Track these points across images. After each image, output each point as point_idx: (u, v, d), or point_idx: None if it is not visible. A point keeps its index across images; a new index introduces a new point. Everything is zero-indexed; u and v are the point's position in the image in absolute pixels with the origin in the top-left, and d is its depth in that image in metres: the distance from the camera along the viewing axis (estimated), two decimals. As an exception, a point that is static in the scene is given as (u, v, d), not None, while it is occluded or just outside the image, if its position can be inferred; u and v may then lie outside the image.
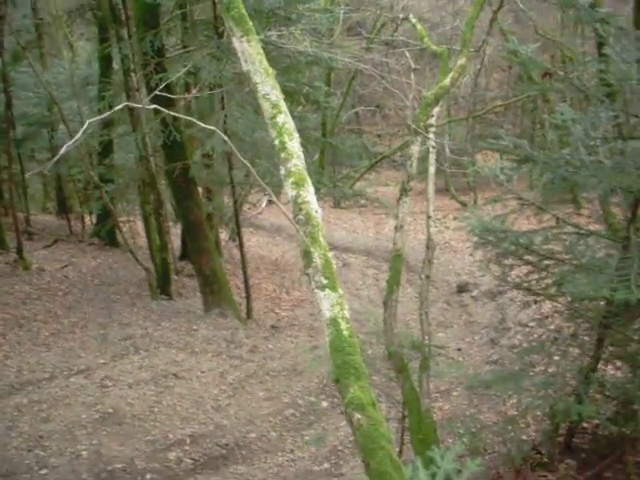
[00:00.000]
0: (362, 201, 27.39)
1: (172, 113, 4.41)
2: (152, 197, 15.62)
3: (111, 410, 9.90)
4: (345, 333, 3.11)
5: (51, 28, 24.81)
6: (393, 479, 2.88)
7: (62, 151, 3.23)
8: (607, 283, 4.95)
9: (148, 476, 8.44)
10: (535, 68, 6.43)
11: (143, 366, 11.54)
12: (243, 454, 9.29)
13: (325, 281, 3.19)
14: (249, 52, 3.89)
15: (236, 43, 3.98)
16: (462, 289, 17.24)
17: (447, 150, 24.80)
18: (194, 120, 4.16)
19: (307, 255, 3.25)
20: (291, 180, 3.47)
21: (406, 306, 13.41)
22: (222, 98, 13.07)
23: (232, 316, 14.36)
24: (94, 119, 3.36)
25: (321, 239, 3.27)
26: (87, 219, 22.90)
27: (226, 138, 4.00)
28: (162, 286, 15.69)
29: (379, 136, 38.77)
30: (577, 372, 6.25)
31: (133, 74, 13.81)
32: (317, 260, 3.21)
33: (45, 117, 20.93)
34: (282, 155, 3.54)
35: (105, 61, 19.68)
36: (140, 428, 9.56)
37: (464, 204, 28.13)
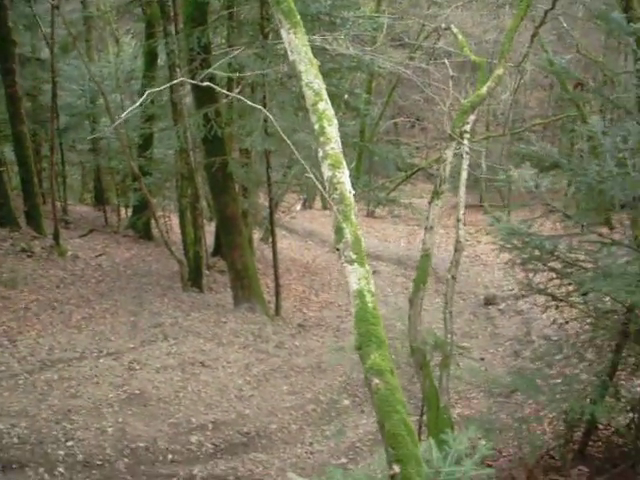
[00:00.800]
0: (395, 211, 27.53)
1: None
2: (189, 191, 15.91)
3: (137, 391, 10.19)
4: (370, 305, 3.32)
5: (99, 22, 25.25)
6: (405, 441, 3.09)
7: (124, 116, 3.45)
8: (626, 287, 5.12)
9: (170, 457, 8.69)
10: (568, 77, 6.62)
11: (171, 353, 11.81)
12: (263, 443, 9.51)
13: (354, 256, 3.41)
14: (295, 43, 4.13)
15: (284, 34, 4.22)
16: (489, 302, 17.36)
17: (483, 166, 24.93)
18: (243, 99, 4.38)
19: (339, 231, 3.47)
20: (328, 162, 3.69)
21: (433, 315, 13.56)
22: (264, 97, 13.31)
23: (261, 312, 14.61)
24: (154, 90, 3.58)
25: (353, 217, 3.49)
26: (123, 212, 23.25)
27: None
28: (193, 279, 15.97)
29: (417, 148, 38.79)
30: (593, 375, 6.41)
31: (178, 69, 14.09)
32: (348, 236, 3.43)
33: (88, 109, 21.28)
34: (321, 139, 3.77)
35: (150, 56, 20.10)
36: (164, 411, 9.83)
37: (498, 219, 28.15)
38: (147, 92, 3.86)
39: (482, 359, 13.08)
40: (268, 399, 10.83)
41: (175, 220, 19.16)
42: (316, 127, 3.80)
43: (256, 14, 14.16)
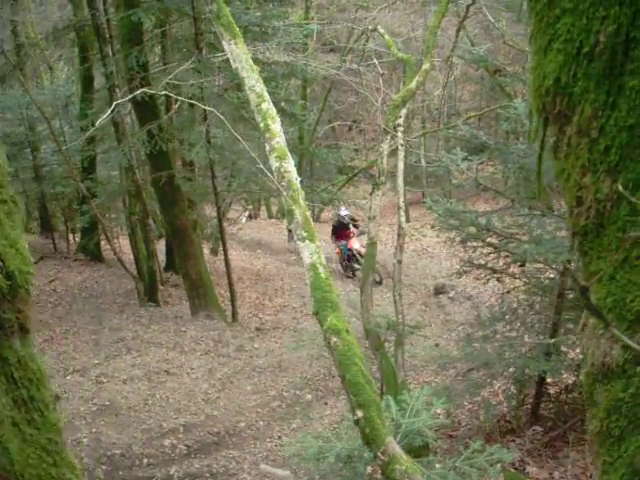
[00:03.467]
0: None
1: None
2: (138, 208, 16.18)
3: (108, 403, 10.51)
4: (322, 275, 3.76)
5: (31, 50, 25.29)
6: (365, 388, 3.53)
7: (98, 124, 3.82)
8: (554, 250, 5.61)
9: (145, 460, 9.03)
10: (485, 65, 7.10)
11: (135, 364, 12.12)
12: (234, 441, 9.88)
13: (305, 234, 3.84)
14: (237, 52, 4.57)
15: (226, 45, 4.65)
16: (439, 291, 17.85)
17: (423, 161, 25.43)
18: (197, 104, 4.79)
19: (290, 213, 3.91)
20: (275, 154, 4.13)
21: (386, 309, 13.99)
22: (204, 110, 13.65)
23: (218, 318, 14.94)
24: (123, 99, 3.95)
25: (300, 201, 3.93)
26: (71, 237, 23.30)
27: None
28: (149, 294, 16.23)
29: (356, 150, 39.19)
30: (536, 337, 6.90)
31: (118, 89, 14.37)
32: (298, 217, 3.87)
33: (28, 137, 21.31)
34: (267, 135, 4.21)
35: (86, 80, 20.26)
36: (136, 418, 10.17)
37: (435, 201, 28.68)
38: (110, 109, 4.24)
39: (437, 345, 13.52)
40: (234, 400, 11.19)
41: (123, 241, 19.36)
42: (261, 125, 4.24)
43: (189, 30, 14.52)
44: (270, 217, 30.03)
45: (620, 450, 2.08)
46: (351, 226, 20.55)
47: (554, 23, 1.89)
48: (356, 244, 20.10)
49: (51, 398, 1.74)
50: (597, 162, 1.89)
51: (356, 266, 19.92)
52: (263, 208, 31.26)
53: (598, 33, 1.78)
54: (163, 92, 5.17)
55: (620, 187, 1.80)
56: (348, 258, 20.42)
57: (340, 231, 20.68)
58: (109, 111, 4.73)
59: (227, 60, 11.61)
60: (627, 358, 2.01)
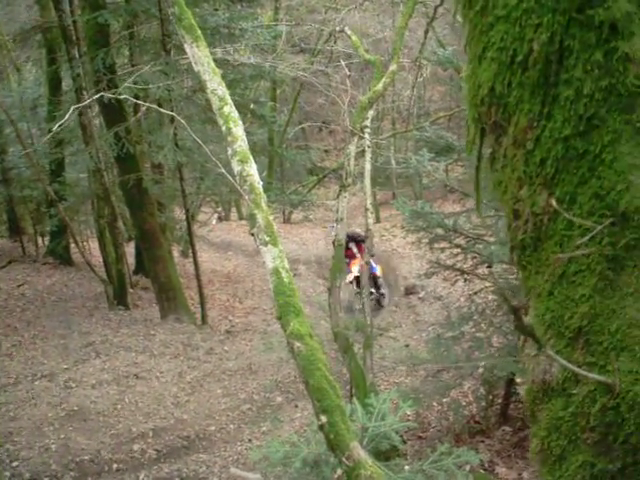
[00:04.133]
0: (311, 215, 27.98)
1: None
2: (107, 211, 16.09)
3: (76, 408, 10.43)
4: (285, 280, 3.75)
5: (-3, 51, 25.06)
6: (329, 393, 3.51)
7: (57, 127, 3.78)
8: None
9: (115, 466, 8.99)
10: (450, 67, 7.12)
11: (105, 368, 12.05)
12: (204, 444, 9.85)
13: (267, 238, 3.83)
14: (199, 55, 4.55)
15: (187, 48, 4.63)
16: (409, 291, 17.88)
17: (393, 162, 25.47)
18: (160, 109, 4.76)
19: (252, 217, 3.89)
20: (237, 158, 4.11)
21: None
22: (171, 111, 13.60)
23: (188, 321, 14.90)
24: (67, 115, 3.92)
25: (263, 204, 3.91)
26: (40, 240, 23.11)
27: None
28: (119, 297, 16.14)
29: (326, 151, 39.20)
30: (503, 337, 6.94)
31: (85, 92, 14.28)
32: (260, 221, 3.86)
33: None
34: (229, 138, 4.19)
35: (54, 82, 20.11)
36: (105, 423, 10.11)
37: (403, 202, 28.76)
38: (70, 112, 4.20)
39: (407, 345, 13.54)
40: (204, 403, 11.16)
41: (93, 244, 19.24)
42: (223, 129, 4.22)
43: (156, 32, 14.46)
44: (241, 219, 29.91)
45: (561, 469, 2.09)
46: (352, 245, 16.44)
47: (487, 31, 1.89)
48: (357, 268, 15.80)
49: None
50: (533, 174, 1.89)
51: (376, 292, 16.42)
52: (234, 210, 31.14)
53: (531, 41, 1.78)
54: (124, 96, 5.10)
55: (554, 203, 1.81)
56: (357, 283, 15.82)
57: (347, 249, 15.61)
58: (68, 114, 4.69)
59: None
60: (567, 376, 2.01)
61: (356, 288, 15.55)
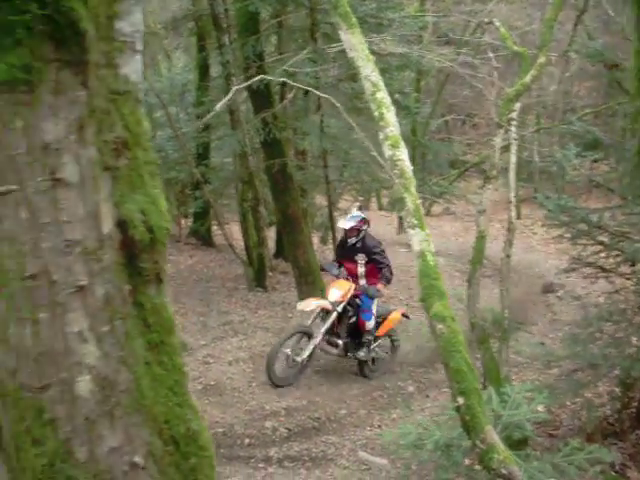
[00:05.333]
0: (452, 208, 27.84)
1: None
2: (250, 195, 16.48)
3: (213, 382, 10.80)
4: (431, 263, 3.82)
5: (150, 39, 25.85)
6: (467, 376, 3.57)
7: (218, 107, 3.97)
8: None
9: (247, 440, 9.24)
10: (601, 61, 6.99)
11: (241, 347, 12.40)
12: (334, 427, 9.99)
13: (415, 221, 3.90)
14: (353, 42, 4.65)
15: (342, 35, 4.74)
16: (547, 290, 17.60)
17: (536, 158, 25.03)
18: (315, 91, 4.90)
19: (401, 201, 3.97)
20: (388, 143, 4.19)
21: (492, 304, 13.92)
22: (318, 99, 13.80)
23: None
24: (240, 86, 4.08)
25: (412, 189, 3.99)
26: (183, 221, 23.79)
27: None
28: (258, 280, 16.50)
29: (469, 145, 38.77)
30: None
31: (234, 78, 14.63)
32: (409, 205, 3.93)
33: (145, 122, 21.70)
34: (381, 123, 4.28)
35: (202, 68, 20.68)
36: (239, 399, 10.42)
37: (547, 197, 28.13)
38: (231, 93, 4.39)
39: (542, 344, 13.34)
40: (336, 387, 11.30)
41: (234, 227, 19.67)
42: (376, 114, 4.31)
43: (304, 21, 14.69)
44: (380, 208, 30.02)
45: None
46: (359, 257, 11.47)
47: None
48: (335, 293, 11.31)
49: (179, 345, 1.87)
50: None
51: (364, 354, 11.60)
52: (374, 199, 31.23)
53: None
54: (282, 79, 5.26)
55: None
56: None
57: (346, 257, 11.78)
58: (228, 96, 4.88)
59: (342, 51, 11.73)
60: None
61: (319, 322, 11.22)
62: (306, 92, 14.03)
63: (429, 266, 3.79)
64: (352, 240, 11.38)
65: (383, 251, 11.49)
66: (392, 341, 12.18)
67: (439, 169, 29.71)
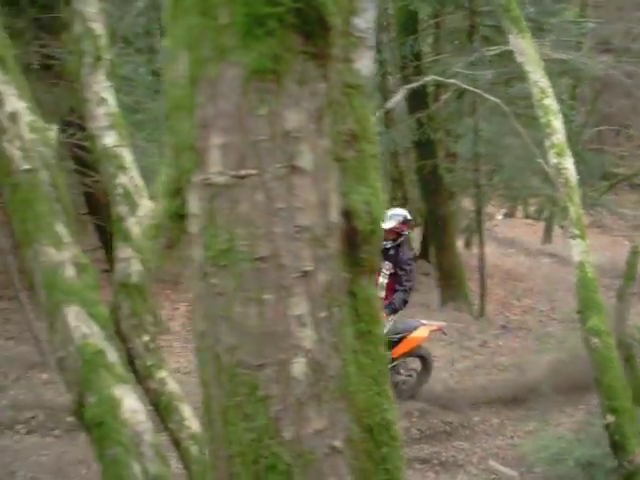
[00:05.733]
0: (601, 221, 27.10)
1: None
2: (399, 194, 16.50)
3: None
4: (589, 275, 3.76)
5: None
6: (620, 394, 3.50)
7: (392, 103, 4.00)
8: None
9: (381, 439, 9.26)
10: None
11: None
12: (466, 433, 9.89)
13: (577, 232, 3.86)
14: (523, 46, 4.63)
15: (512, 39, 4.72)
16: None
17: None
18: (484, 94, 4.88)
19: (564, 210, 3.93)
20: (554, 150, 4.16)
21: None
22: (473, 103, 13.69)
23: (466, 311, 14.99)
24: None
25: (576, 199, 3.94)
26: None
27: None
28: (400, 280, 16.48)
29: (622, 157, 37.53)
30: None
31: (389, 76, 14.69)
32: (572, 214, 3.89)
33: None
34: (547, 130, 4.25)
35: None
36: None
37: None
38: (400, 94, 4.43)
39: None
40: (471, 393, 11.18)
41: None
42: (543, 120, 4.28)
43: (462, 23, 14.59)
44: (526, 217, 29.50)
45: None
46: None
47: None
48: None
49: (383, 335, 1.94)
50: None
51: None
52: (520, 207, 30.72)
53: None
54: (452, 81, 5.27)
55: None
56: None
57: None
58: (399, 95, 4.94)
59: (500, 55, 11.64)
60: None
61: None
62: (460, 94, 13.92)
63: (588, 278, 3.74)
64: (386, 244, 8.97)
65: (412, 270, 9.63)
66: (423, 362, 10.62)
67: (590, 180, 28.97)
